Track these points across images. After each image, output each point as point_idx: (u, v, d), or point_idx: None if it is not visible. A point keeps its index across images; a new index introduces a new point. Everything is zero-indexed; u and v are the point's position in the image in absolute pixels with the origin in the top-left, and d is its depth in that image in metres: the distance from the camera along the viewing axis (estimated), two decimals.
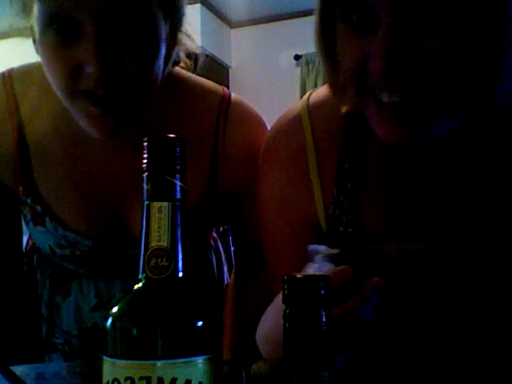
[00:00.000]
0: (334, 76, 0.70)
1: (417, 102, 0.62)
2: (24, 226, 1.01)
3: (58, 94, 0.80)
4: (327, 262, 0.62)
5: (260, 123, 0.98)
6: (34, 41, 0.81)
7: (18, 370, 0.66)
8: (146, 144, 0.45)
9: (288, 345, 0.42)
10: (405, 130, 0.65)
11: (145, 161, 0.45)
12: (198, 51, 0.96)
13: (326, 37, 0.68)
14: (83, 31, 0.74)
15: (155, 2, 0.77)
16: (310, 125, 0.80)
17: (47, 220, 0.94)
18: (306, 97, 0.84)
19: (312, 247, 0.64)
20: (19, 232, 1.04)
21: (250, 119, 0.97)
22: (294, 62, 4.67)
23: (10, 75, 0.94)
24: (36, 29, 0.77)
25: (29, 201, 0.94)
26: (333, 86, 0.73)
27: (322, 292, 0.42)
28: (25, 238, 1.11)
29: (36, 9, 0.75)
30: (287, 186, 0.82)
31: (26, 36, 0.82)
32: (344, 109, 0.75)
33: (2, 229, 1.02)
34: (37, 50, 0.81)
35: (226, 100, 0.96)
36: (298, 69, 4.64)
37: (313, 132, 0.80)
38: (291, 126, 0.82)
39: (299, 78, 4.61)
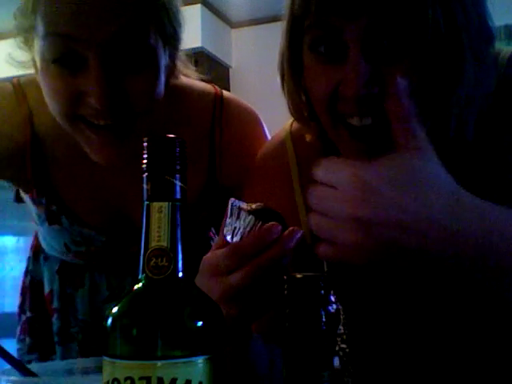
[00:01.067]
0: (297, 106, 0.76)
1: (386, 124, 0.65)
2: (29, 225, 1.02)
3: (58, 118, 0.82)
4: (252, 217, 0.61)
5: (254, 118, 1.00)
6: (36, 70, 0.83)
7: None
8: (145, 144, 0.45)
9: (288, 345, 0.42)
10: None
11: (145, 161, 0.45)
12: (196, 77, 0.98)
13: (295, 64, 0.73)
14: (87, 64, 0.76)
15: (154, 31, 0.79)
16: (293, 149, 0.87)
17: (63, 218, 0.95)
18: (288, 124, 0.90)
19: (235, 202, 0.63)
20: None
21: (244, 115, 1.00)
22: None
23: (18, 79, 0.97)
24: (38, 60, 0.79)
25: (43, 201, 0.95)
26: (297, 117, 0.79)
27: (322, 292, 0.42)
28: (30, 239, 1.12)
29: (38, 44, 0.77)
30: (274, 203, 0.85)
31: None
32: (308, 137, 0.81)
33: None
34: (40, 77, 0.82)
35: (218, 98, 0.98)
36: None
37: (296, 155, 0.86)
38: (277, 150, 0.89)
39: None
